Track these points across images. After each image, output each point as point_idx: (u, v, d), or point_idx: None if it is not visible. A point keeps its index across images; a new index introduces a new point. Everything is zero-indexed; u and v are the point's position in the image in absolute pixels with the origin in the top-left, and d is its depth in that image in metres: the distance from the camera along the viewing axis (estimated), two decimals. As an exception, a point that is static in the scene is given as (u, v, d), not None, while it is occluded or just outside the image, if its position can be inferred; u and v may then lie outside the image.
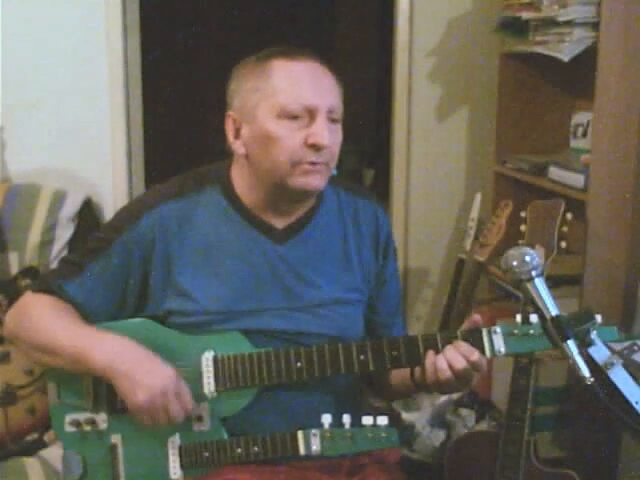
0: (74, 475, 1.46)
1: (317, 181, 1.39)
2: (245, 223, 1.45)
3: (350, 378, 1.50)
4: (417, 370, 1.41)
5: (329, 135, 1.36)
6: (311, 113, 1.36)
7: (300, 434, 1.34)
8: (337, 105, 1.40)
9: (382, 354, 1.35)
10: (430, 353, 1.33)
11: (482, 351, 1.31)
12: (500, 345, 1.30)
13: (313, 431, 1.33)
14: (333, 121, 1.39)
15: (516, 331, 1.30)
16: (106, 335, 1.38)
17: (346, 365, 1.36)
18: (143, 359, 1.35)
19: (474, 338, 1.31)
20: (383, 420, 1.31)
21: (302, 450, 1.33)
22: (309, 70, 1.39)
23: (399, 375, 1.49)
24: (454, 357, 1.30)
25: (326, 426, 1.32)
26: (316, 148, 1.35)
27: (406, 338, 1.36)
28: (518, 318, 1.31)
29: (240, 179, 1.46)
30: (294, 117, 1.36)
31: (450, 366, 1.30)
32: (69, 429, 1.46)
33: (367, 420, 1.31)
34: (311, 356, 1.36)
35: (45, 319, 1.43)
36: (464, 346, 1.30)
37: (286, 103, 1.35)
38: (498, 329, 1.31)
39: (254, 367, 1.38)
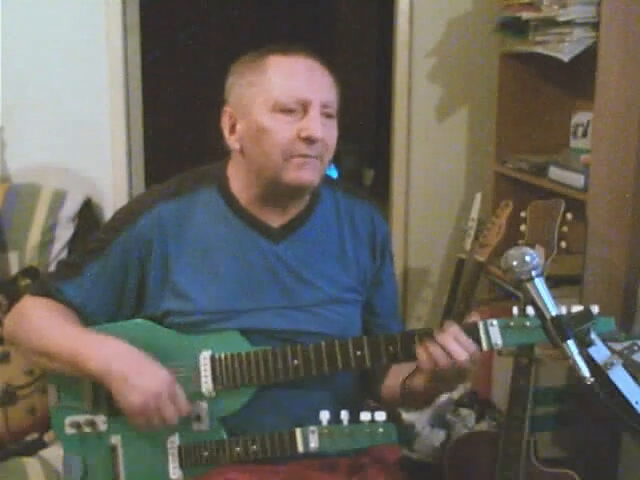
0: (75, 477, 1.46)
1: (310, 175, 1.38)
2: (241, 222, 1.45)
3: (349, 377, 1.50)
4: (409, 377, 1.40)
5: (322, 128, 1.36)
6: (305, 107, 1.36)
7: (298, 432, 1.33)
8: (332, 100, 1.40)
9: (378, 349, 1.35)
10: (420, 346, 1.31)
11: (479, 344, 1.30)
12: (497, 338, 1.30)
13: (311, 428, 1.32)
14: (328, 116, 1.39)
15: (512, 323, 1.30)
16: (101, 338, 1.38)
17: (343, 361, 1.36)
18: (138, 362, 1.34)
19: (471, 331, 1.31)
20: (381, 416, 1.31)
21: (300, 448, 1.33)
22: (304, 65, 1.39)
23: (393, 384, 1.49)
24: (448, 342, 1.27)
25: (324, 423, 1.32)
26: (309, 141, 1.35)
27: (403, 333, 1.36)
28: (515, 311, 1.31)
29: (236, 178, 1.46)
30: (288, 111, 1.36)
31: (449, 353, 1.27)
32: (69, 431, 1.46)
33: (365, 416, 1.30)
34: (308, 354, 1.37)
35: (42, 323, 1.43)
36: (455, 329, 1.29)
37: (280, 96, 1.36)
38: (495, 322, 1.31)
39: (251, 366, 1.38)
